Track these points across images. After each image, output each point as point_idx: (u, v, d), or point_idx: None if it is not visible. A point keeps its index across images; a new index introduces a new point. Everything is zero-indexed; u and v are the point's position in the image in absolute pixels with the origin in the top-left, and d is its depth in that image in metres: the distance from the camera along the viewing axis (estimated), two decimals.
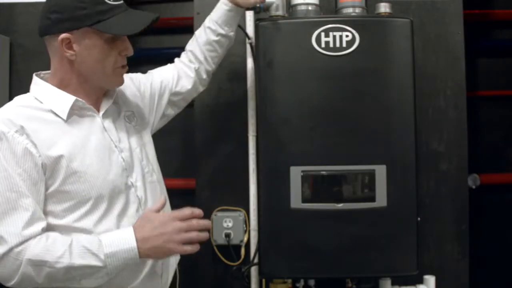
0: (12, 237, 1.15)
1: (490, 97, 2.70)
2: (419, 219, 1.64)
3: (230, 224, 1.95)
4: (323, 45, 1.60)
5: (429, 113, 1.97)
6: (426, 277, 1.81)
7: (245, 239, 1.96)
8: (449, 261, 1.95)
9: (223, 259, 1.96)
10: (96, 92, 1.34)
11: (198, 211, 1.27)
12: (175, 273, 1.51)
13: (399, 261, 1.63)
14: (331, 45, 1.59)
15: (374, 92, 1.61)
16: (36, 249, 1.15)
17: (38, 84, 1.31)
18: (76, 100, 1.27)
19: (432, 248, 1.95)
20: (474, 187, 2.53)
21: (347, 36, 1.59)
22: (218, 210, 1.98)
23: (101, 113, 1.34)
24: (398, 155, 1.61)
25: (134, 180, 1.35)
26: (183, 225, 1.23)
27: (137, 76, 1.56)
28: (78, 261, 1.16)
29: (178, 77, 1.65)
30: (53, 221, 1.22)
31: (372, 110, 1.61)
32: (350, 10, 1.72)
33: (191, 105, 2.03)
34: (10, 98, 2.08)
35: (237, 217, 1.96)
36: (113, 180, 1.29)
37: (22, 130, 1.19)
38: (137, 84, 1.54)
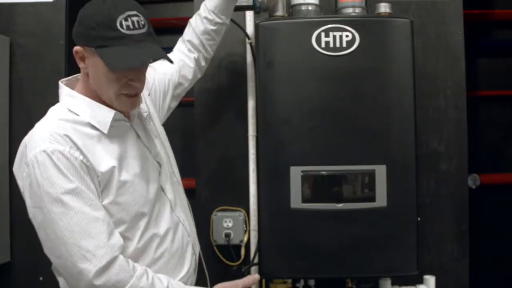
0: (100, 250, 1.16)
1: (490, 97, 2.71)
2: (419, 219, 1.64)
3: (230, 224, 1.95)
4: (323, 45, 1.59)
5: (429, 113, 1.97)
6: (426, 277, 1.81)
7: (245, 239, 1.96)
8: (449, 261, 1.95)
9: (223, 259, 1.96)
10: None
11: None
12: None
13: (399, 261, 1.63)
14: (331, 45, 1.59)
15: (374, 92, 1.61)
16: (139, 284, 1.19)
17: (71, 95, 1.27)
18: (116, 114, 1.26)
19: (432, 248, 1.95)
20: (474, 187, 2.54)
21: (347, 36, 1.59)
22: (218, 210, 1.98)
23: (132, 121, 1.35)
24: (398, 155, 1.61)
25: (163, 183, 1.37)
26: None
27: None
28: None
29: (179, 69, 1.66)
30: None
31: (372, 110, 1.61)
32: (350, 10, 1.72)
33: (191, 105, 2.04)
34: (11, 98, 2.10)
35: (237, 217, 1.96)
36: (153, 186, 1.32)
37: (75, 145, 1.18)
38: (147, 82, 1.55)
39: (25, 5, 2.09)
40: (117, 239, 1.20)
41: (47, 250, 1.20)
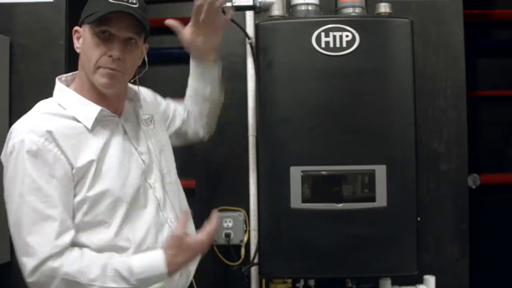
0: (43, 247, 1.17)
1: (490, 97, 2.70)
2: (419, 219, 1.64)
3: (230, 224, 1.95)
4: (323, 45, 1.59)
5: (429, 113, 1.97)
6: (426, 277, 1.81)
7: (245, 239, 1.96)
8: (449, 261, 1.95)
9: (223, 259, 1.96)
10: (108, 96, 1.34)
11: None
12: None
13: (399, 261, 1.63)
14: (331, 45, 1.59)
15: (374, 92, 1.61)
16: (72, 268, 1.18)
17: (62, 90, 1.32)
18: (101, 111, 1.29)
19: (432, 248, 1.95)
20: (474, 187, 2.53)
21: (347, 36, 1.59)
22: (218, 210, 1.97)
23: (122, 117, 1.37)
24: (398, 155, 1.61)
25: (153, 181, 1.37)
26: (207, 245, 1.33)
27: (154, 92, 1.61)
28: (110, 284, 1.20)
29: (186, 111, 1.64)
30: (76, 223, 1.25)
31: (372, 110, 1.61)
32: (350, 10, 1.72)
33: None
34: (11, 98, 2.09)
35: (237, 217, 1.96)
36: (133, 182, 1.32)
37: (50, 138, 1.20)
38: (155, 95, 1.59)
39: (25, 5, 2.09)
40: (64, 240, 1.19)
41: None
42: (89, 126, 1.27)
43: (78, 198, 1.23)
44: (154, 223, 1.34)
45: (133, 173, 1.32)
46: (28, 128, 1.21)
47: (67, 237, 1.20)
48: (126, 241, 1.28)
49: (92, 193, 1.24)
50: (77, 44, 1.32)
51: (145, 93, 1.53)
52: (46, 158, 1.19)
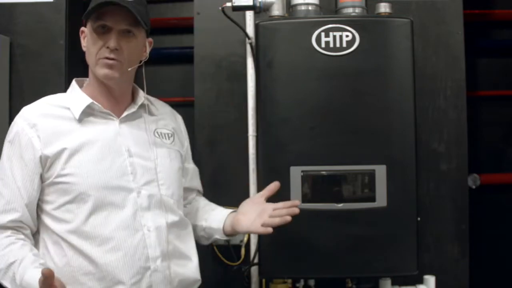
0: None
1: (490, 97, 2.71)
2: (419, 219, 1.64)
3: None
4: (323, 45, 1.59)
5: (429, 113, 1.97)
6: (426, 277, 1.81)
7: (245, 239, 1.96)
8: (449, 261, 1.95)
9: (223, 259, 1.96)
10: (113, 94, 1.40)
11: None
12: None
13: (399, 261, 1.63)
14: (331, 45, 1.59)
15: (374, 92, 1.61)
16: None
17: (72, 86, 1.44)
18: (92, 103, 1.36)
19: (432, 248, 1.95)
20: (474, 187, 2.54)
21: (347, 36, 1.59)
22: None
23: (121, 117, 1.40)
24: (398, 155, 1.61)
25: (139, 185, 1.36)
26: None
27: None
28: (6, 283, 1.26)
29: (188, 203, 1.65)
30: (48, 209, 1.32)
31: (372, 110, 1.61)
32: (350, 10, 1.72)
33: (191, 105, 2.04)
34: (11, 98, 2.10)
35: None
36: (109, 181, 1.32)
37: (34, 124, 1.32)
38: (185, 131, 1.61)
39: (25, 5, 2.09)
40: (4, 219, 1.28)
41: None
42: (77, 117, 1.34)
43: (50, 180, 1.31)
44: (126, 226, 1.32)
45: (112, 172, 1.33)
46: (22, 112, 1.36)
47: (6, 217, 1.29)
48: (91, 235, 1.29)
49: (61, 179, 1.30)
50: (84, 43, 1.41)
51: (180, 121, 1.61)
52: (21, 141, 1.31)
